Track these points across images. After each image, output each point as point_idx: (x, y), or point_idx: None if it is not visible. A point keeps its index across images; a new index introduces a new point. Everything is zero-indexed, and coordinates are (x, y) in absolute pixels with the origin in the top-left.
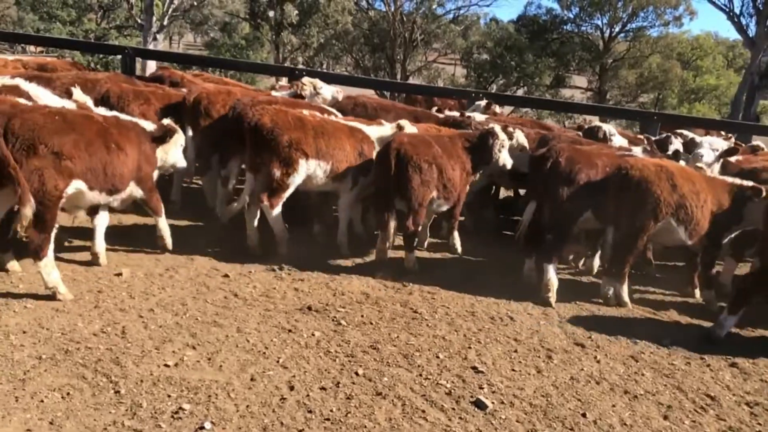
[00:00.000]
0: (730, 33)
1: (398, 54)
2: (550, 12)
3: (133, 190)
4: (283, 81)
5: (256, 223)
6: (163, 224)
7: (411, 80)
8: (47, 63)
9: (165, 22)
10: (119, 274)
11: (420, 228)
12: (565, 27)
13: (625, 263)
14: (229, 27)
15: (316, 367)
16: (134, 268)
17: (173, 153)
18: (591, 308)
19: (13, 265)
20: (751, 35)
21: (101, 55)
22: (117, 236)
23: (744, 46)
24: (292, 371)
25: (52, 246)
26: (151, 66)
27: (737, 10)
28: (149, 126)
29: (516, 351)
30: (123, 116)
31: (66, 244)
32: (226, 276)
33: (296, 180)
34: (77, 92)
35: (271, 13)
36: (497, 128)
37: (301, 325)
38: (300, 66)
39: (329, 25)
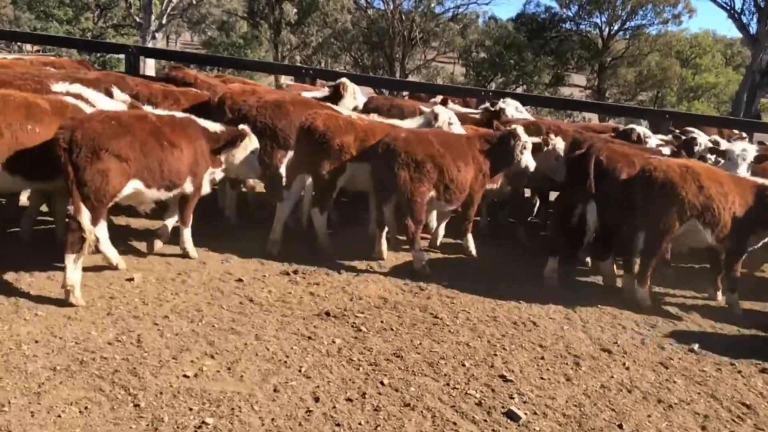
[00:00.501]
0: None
1: (397, 52)
2: (548, 10)
3: (187, 187)
4: (284, 80)
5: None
6: (188, 235)
7: (410, 78)
8: (55, 62)
9: (164, 21)
10: (131, 279)
11: (418, 227)
12: (563, 25)
13: (648, 266)
14: (226, 26)
15: (340, 377)
16: (145, 272)
17: (242, 159)
18: (613, 312)
19: None
20: (752, 33)
21: (98, 54)
22: (127, 240)
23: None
24: (315, 381)
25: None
26: (149, 64)
27: (738, 8)
28: (212, 126)
29: (543, 358)
30: (179, 114)
31: None
32: (240, 280)
33: (341, 181)
34: (117, 92)
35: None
36: (519, 129)
37: (321, 331)
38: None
39: (328, 23)
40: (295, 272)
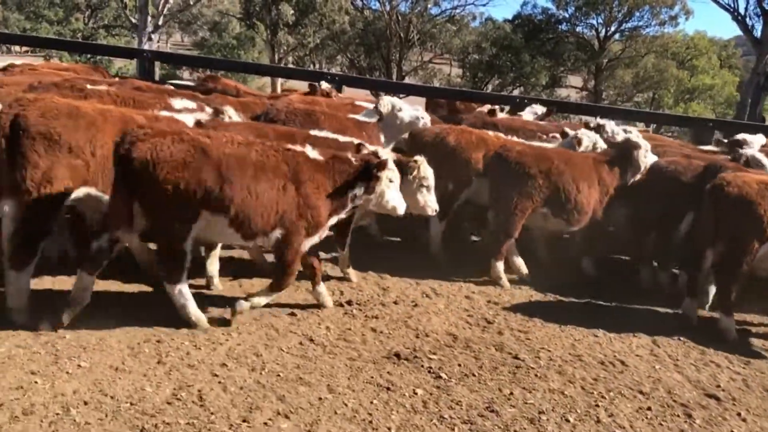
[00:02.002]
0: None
1: (393, 54)
2: (545, 12)
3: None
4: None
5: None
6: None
7: (407, 80)
8: (69, 68)
9: (160, 22)
10: (176, 316)
11: (507, 241)
12: (560, 27)
13: (728, 291)
14: (219, 26)
15: None
16: None
17: (384, 192)
18: (697, 345)
19: None
20: (756, 36)
21: (88, 56)
22: None
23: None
24: None
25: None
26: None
27: (742, 11)
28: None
29: (649, 409)
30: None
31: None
32: (293, 314)
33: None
34: (231, 111)
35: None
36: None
37: (397, 379)
38: (290, 65)
39: (325, 24)
40: (349, 303)
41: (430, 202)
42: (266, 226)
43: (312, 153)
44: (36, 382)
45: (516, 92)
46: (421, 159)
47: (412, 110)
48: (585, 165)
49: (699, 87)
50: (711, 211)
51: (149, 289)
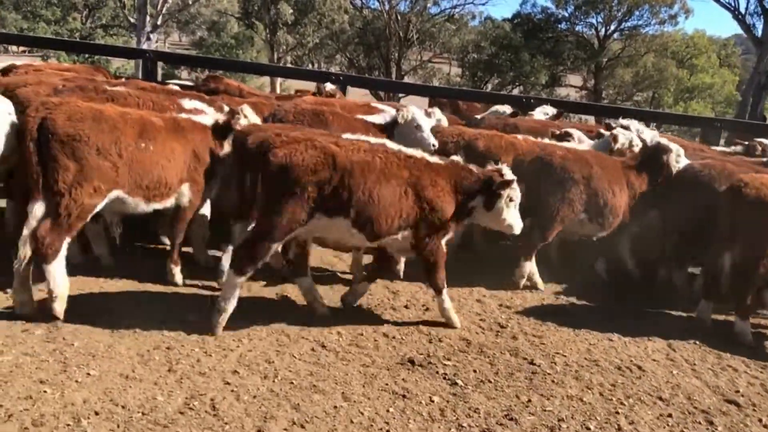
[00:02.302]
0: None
1: (393, 53)
2: (545, 11)
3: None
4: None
5: None
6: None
7: (406, 80)
8: (71, 68)
9: (159, 22)
10: (185, 322)
11: (539, 245)
12: (559, 26)
13: (746, 293)
14: (217, 26)
15: None
16: (198, 312)
17: (502, 210)
18: (712, 349)
19: None
20: (757, 35)
21: (86, 55)
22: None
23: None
24: None
25: None
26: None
27: (743, 10)
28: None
29: (670, 416)
30: (410, 151)
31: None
32: (303, 319)
33: None
34: (248, 111)
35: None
36: (667, 142)
37: (412, 386)
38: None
39: (324, 24)
40: (360, 308)
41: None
42: (390, 228)
43: (432, 158)
44: (45, 392)
45: (516, 91)
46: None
47: (428, 135)
48: (616, 168)
49: (699, 86)
50: (728, 212)
51: (155, 293)
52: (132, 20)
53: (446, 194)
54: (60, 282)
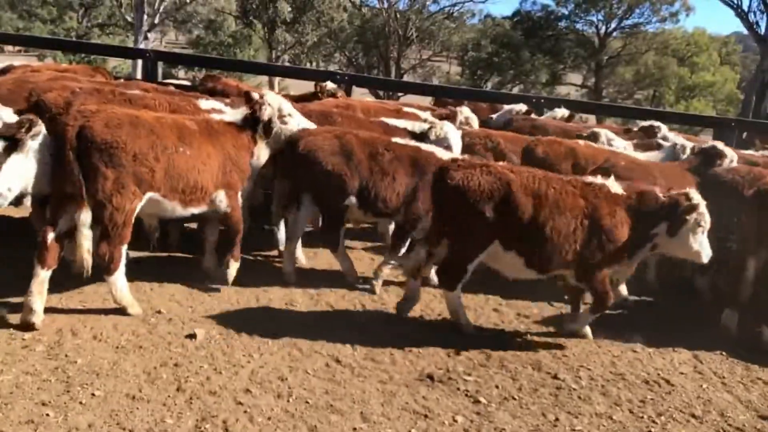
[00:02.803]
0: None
1: (392, 51)
2: (545, 8)
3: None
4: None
5: None
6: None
7: (405, 78)
8: (69, 68)
9: (156, 21)
10: (192, 336)
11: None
12: (560, 23)
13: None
14: (214, 24)
15: None
16: (205, 325)
17: (689, 236)
18: (742, 360)
19: None
20: (761, 32)
21: (83, 55)
22: (173, 281)
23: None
24: None
25: None
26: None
27: (746, 7)
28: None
29: None
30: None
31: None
32: (315, 331)
33: None
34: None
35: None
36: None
37: (434, 404)
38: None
39: (323, 22)
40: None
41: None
42: (562, 260)
43: (614, 187)
44: (48, 415)
45: (515, 90)
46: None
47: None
48: (684, 178)
49: (700, 84)
50: (753, 217)
51: (158, 305)
52: (129, 19)
53: (624, 224)
54: (124, 291)
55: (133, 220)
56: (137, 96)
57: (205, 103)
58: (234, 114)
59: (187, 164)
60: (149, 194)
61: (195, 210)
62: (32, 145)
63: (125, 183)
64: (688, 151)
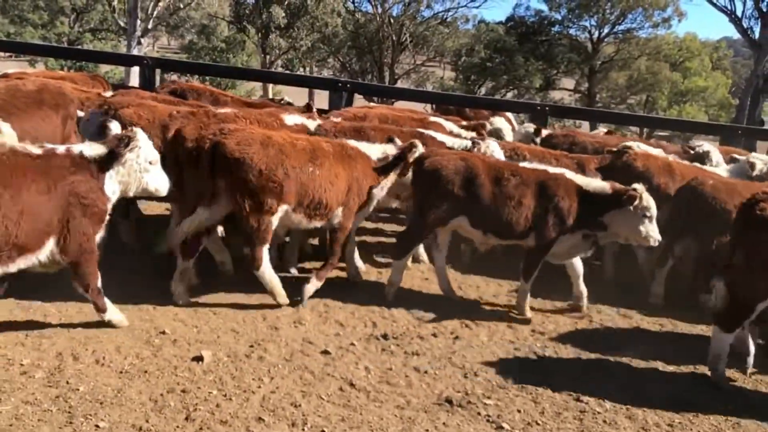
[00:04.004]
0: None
1: (386, 57)
2: (538, 14)
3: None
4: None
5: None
6: None
7: (399, 84)
8: (65, 76)
9: (150, 26)
10: (199, 359)
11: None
12: (553, 29)
13: None
14: (207, 29)
15: None
16: (212, 346)
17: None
18: (764, 378)
19: None
20: (754, 37)
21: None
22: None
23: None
24: None
25: None
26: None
27: (739, 13)
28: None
29: None
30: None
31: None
32: (327, 352)
33: None
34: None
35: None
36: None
37: (454, 431)
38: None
39: (317, 27)
40: (385, 337)
41: (652, 232)
42: None
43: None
44: None
45: (509, 95)
46: (641, 188)
47: None
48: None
49: (692, 89)
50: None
51: (162, 325)
52: (122, 24)
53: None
54: (273, 280)
55: (272, 227)
56: (229, 116)
57: (290, 118)
58: (377, 148)
59: (316, 183)
60: (283, 206)
61: (318, 224)
62: (130, 156)
63: (257, 195)
64: (759, 166)
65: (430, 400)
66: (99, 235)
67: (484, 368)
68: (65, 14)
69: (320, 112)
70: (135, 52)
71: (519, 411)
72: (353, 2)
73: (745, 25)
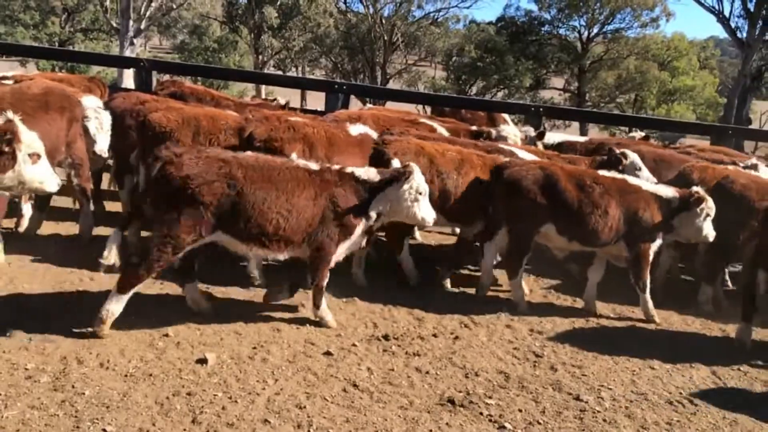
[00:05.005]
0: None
1: (378, 57)
2: (528, 14)
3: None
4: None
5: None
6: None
7: (391, 83)
8: (64, 78)
9: (142, 26)
10: (203, 362)
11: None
12: (543, 29)
13: None
14: (199, 30)
15: None
16: (215, 348)
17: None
18: (760, 377)
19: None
20: (741, 37)
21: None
22: (179, 301)
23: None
24: None
25: None
26: (127, 73)
27: (727, 13)
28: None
29: None
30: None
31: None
32: (329, 353)
33: None
34: None
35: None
36: None
37: (458, 431)
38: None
39: (309, 28)
40: (386, 338)
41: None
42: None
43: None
44: None
45: (500, 95)
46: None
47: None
48: None
49: (680, 88)
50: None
51: (165, 328)
52: (114, 24)
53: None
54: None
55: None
56: (300, 124)
57: (354, 129)
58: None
59: (460, 191)
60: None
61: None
62: (405, 187)
63: None
64: None
65: (432, 400)
66: (344, 246)
67: (485, 369)
68: (56, 14)
69: (318, 113)
70: (128, 52)
71: (520, 410)
72: (345, 2)
73: (732, 25)
